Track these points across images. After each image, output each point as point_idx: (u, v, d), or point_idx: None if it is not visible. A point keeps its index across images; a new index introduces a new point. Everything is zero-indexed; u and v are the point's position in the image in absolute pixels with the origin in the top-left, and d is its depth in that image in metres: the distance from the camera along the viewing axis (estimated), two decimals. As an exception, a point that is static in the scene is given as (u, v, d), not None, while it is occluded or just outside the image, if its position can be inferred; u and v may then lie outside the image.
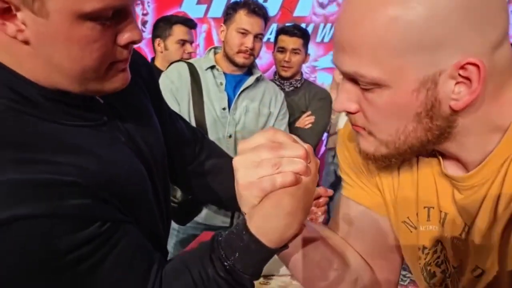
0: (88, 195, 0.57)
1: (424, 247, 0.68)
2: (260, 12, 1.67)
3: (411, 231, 0.68)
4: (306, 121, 2.10)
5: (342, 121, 2.10)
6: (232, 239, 0.59)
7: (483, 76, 0.49)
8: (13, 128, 0.56)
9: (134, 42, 0.63)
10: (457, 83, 0.51)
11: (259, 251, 0.58)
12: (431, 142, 0.56)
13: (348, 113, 0.58)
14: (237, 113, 1.73)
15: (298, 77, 2.19)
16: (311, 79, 3.21)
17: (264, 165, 0.53)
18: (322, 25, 3.29)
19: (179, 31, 2.30)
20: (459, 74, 0.50)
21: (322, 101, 2.15)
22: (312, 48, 3.21)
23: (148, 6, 3.68)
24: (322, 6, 3.27)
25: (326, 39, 3.28)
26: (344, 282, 0.71)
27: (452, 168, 0.62)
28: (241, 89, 1.74)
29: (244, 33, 1.66)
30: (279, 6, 3.19)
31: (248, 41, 1.66)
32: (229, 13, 1.70)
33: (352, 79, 0.55)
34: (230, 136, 1.71)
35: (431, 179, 0.64)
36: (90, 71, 0.60)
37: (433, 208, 0.65)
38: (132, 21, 0.61)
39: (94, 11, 0.55)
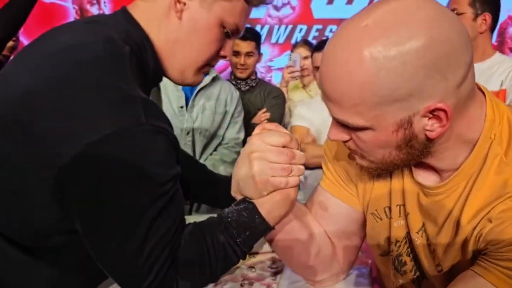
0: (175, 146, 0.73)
1: (397, 241, 0.80)
2: None
3: (377, 221, 0.82)
4: (262, 117, 2.21)
5: (294, 118, 2.22)
6: (244, 221, 0.72)
7: (450, 115, 0.58)
8: (134, 70, 0.72)
9: (225, 58, 0.85)
10: (430, 118, 0.60)
11: (265, 231, 0.74)
12: (413, 160, 0.67)
13: (344, 142, 0.69)
14: (194, 111, 1.82)
15: (253, 77, 2.32)
16: (267, 78, 3.33)
17: (279, 169, 0.69)
18: (276, 27, 3.44)
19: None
20: (431, 113, 0.59)
21: (276, 99, 2.30)
22: (267, 49, 3.34)
23: (105, 6, 3.68)
24: (276, 8, 3.41)
25: (280, 40, 3.42)
26: (308, 252, 0.84)
27: (422, 175, 0.72)
28: (198, 88, 1.83)
29: None
30: (235, 8, 3.26)
31: None
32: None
33: (343, 124, 0.64)
34: (188, 133, 1.80)
35: (401, 181, 0.76)
36: (199, 59, 0.81)
37: (403, 205, 0.76)
38: (232, 43, 0.84)
39: (229, 24, 0.79)
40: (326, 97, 0.63)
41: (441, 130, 0.60)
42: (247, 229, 0.72)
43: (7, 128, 0.66)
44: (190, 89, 1.83)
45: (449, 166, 0.68)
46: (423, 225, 0.74)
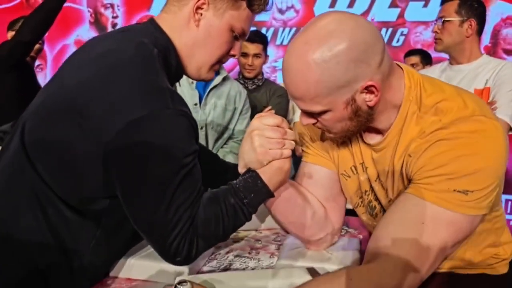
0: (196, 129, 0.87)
1: (366, 191, 1.01)
2: None
3: (346, 179, 1.03)
4: (267, 115, 2.38)
5: (297, 115, 2.39)
6: (249, 186, 0.89)
7: (378, 88, 0.80)
8: (161, 67, 0.87)
9: (234, 56, 1.01)
10: (366, 93, 0.81)
11: (266, 193, 0.91)
12: (363, 125, 0.88)
13: (313, 124, 0.90)
14: (207, 108, 1.99)
15: (260, 77, 2.48)
16: (272, 78, 3.49)
17: (275, 143, 0.89)
18: (281, 29, 3.59)
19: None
20: (366, 90, 0.81)
21: (281, 97, 2.46)
22: (272, 50, 3.51)
23: (118, 9, 3.84)
24: (281, 12, 3.57)
25: (285, 42, 3.57)
26: (306, 214, 1.03)
27: (370, 137, 0.95)
28: (210, 87, 2.00)
29: None
30: (241, 11, 3.40)
31: None
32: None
33: (309, 113, 0.86)
34: (201, 128, 1.98)
35: (358, 146, 0.98)
36: (213, 58, 0.97)
37: (363, 163, 0.97)
38: (241, 44, 1.00)
39: (237, 29, 0.95)
40: (292, 96, 0.85)
41: (376, 99, 0.82)
42: (252, 192, 0.89)
43: (62, 115, 0.84)
44: (203, 88, 2.01)
45: (386, 126, 0.90)
46: (378, 175, 0.96)
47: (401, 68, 0.90)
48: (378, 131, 0.92)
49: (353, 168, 1.01)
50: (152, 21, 0.96)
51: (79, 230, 0.89)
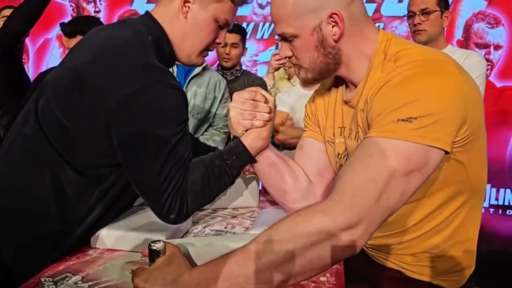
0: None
1: (339, 153, 1.06)
2: None
3: (331, 145, 1.09)
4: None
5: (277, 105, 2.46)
6: (232, 149, 1.04)
7: (341, 19, 0.88)
8: (154, 52, 1.00)
9: (220, 44, 1.15)
10: (332, 26, 0.90)
11: (247, 157, 1.04)
12: (332, 64, 0.95)
13: (288, 58, 0.98)
14: (187, 96, 2.05)
15: (238, 68, 2.55)
16: (252, 72, 3.56)
17: (247, 115, 1.01)
18: (261, 23, 3.64)
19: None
20: (331, 20, 0.89)
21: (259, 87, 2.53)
22: (253, 44, 3.58)
23: (100, 4, 3.86)
24: (261, 7, 3.61)
25: (265, 36, 3.63)
26: (285, 179, 1.10)
27: (349, 94, 1.00)
28: (191, 76, 2.07)
29: None
30: (223, 6, 3.46)
31: None
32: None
33: (284, 38, 0.94)
34: (182, 115, 2.05)
35: (340, 110, 1.04)
36: (201, 46, 1.11)
37: (343, 127, 1.02)
38: (225, 33, 1.14)
39: (221, 19, 1.08)
40: (273, 21, 0.96)
41: (340, 32, 0.90)
42: (233, 154, 1.03)
43: (69, 92, 0.96)
44: (183, 77, 2.08)
45: (358, 78, 0.96)
46: (356, 132, 0.97)
47: (379, 29, 0.97)
48: (355, 86, 0.97)
49: (334, 133, 1.07)
50: (147, 13, 1.10)
51: (80, 189, 1.00)
